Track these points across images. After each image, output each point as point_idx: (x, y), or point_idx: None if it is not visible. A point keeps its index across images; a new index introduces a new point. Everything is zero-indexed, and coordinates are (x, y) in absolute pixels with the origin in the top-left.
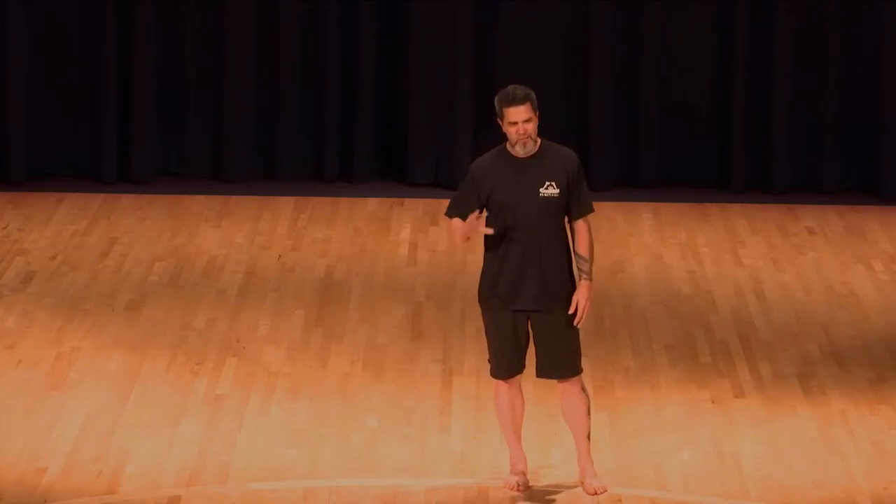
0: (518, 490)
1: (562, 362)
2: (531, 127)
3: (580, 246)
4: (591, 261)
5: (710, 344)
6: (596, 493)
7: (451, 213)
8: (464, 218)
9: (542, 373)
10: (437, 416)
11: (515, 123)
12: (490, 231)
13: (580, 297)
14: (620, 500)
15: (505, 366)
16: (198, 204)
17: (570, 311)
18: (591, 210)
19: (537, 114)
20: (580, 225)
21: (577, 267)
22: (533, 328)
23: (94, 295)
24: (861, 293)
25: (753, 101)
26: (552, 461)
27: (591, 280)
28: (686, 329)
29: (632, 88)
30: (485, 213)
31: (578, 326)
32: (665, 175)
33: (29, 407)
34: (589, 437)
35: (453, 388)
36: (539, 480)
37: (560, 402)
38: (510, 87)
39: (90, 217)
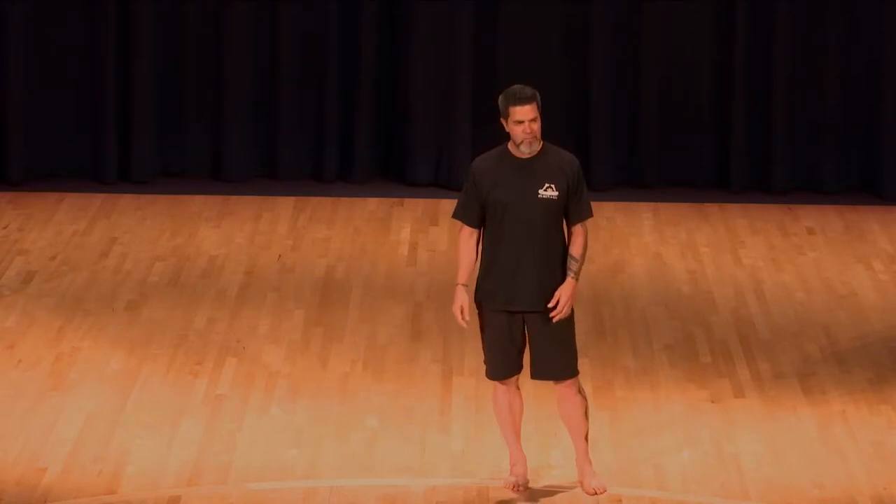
0: (518, 490)
1: (559, 364)
2: (537, 126)
3: (574, 247)
4: (581, 262)
5: (710, 344)
6: (595, 493)
7: (457, 216)
8: (470, 220)
9: (537, 374)
10: (437, 416)
11: (521, 122)
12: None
13: (562, 294)
14: (620, 500)
15: (501, 367)
16: (198, 204)
17: (551, 305)
18: (590, 215)
19: (541, 114)
20: (577, 229)
21: (567, 266)
22: (529, 329)
23: (94, 295)
24: (861, 293)
25: (753, 101)
26: (552, 461)
27: (576, 280)
28: (686, 329)
29: (632, 88)
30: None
31: (564, 323)
32: (665, 175)
33: (29, 407)
34: (587, 437)
35: (453, 388)
36: (539, 480)
37: (557, 404)
38: (516, 86)
39: (90, 217)
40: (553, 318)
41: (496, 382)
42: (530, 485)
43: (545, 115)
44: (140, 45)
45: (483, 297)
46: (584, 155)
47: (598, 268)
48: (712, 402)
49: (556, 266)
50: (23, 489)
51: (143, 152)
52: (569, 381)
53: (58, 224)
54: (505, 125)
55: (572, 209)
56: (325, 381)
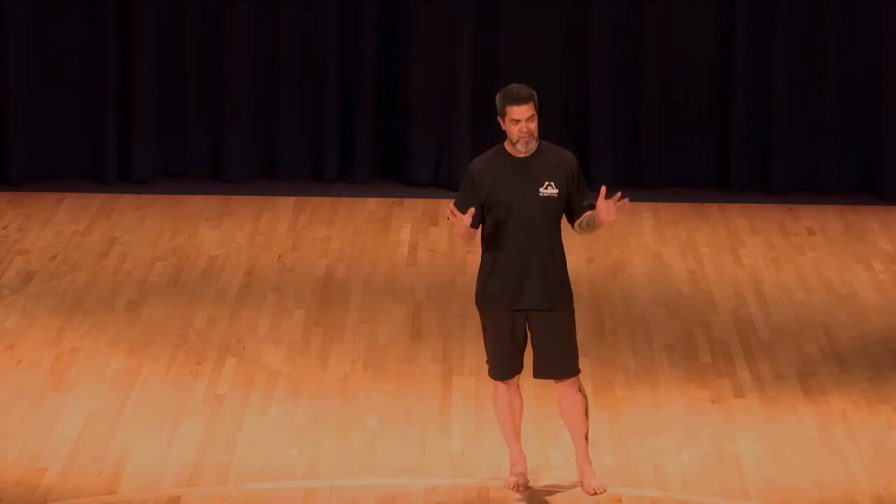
0: (518, 490)
1: (560, 362)
2: (533, 126)
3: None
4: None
5: (710, 344)
6: (595, 493)
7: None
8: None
9: (539, 373)
10: (437, 416)
11: (518, 122)
12: (468, 221)
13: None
14: (620, 500)
15: (503, 367)
16: (198, 204)
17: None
18: (593, 209)
19: (538, 113)
20: None
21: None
22: (531, 328)
23: (94, 295)
24: (861, 293)
25: (753, 101)
26: (552, 461)
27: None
28: (686, 329)
29: (632, 88)
30: (471, 211)
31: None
32: (665, 175)
33: (29, 407)
34: (587, 437)
35: (453, 388)
36: (539, 480)
37: (558, 403)
38: (513, 86)
39: (90, 217)
40: (618, 200)
41: (497, 382)
42: (530, 485)
43: (545, 115)
44: (140, 45)
45: (486, 300)
46: (584, 155)
47: (598, 268)
48: (712, 402)
49: (558, 263)
50: (23, 489)
51: (143, 152)
52: (570, 380)
53: (58, 224)
54: (501, 123)
55: (576, 204)
56: (325, 381)
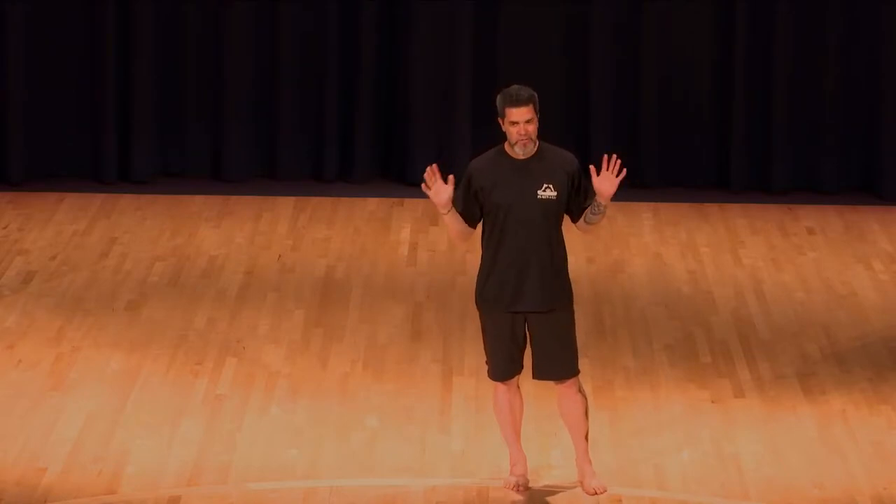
0: (518, 490)
1: (560, 363)
2: (532, 128)
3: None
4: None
5: (710, 344)
6: (595, 493)
7: None
8: (464, 217)
9: (539, 374)
10: (437, 416)
11: (517, 124)
12: (446, 191)
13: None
14: (620, 500)
15: (503, 367)
16: (198, 204)
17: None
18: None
19: (538, 116)
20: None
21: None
22: (530, 329)
23: (94, 295)
24: (861, 293)
25: (753, 101)
26: (552, 461)
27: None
28: (686, 329)
29: (632, 88)
30: (451, 178)
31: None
32: (665, 175)
33: (29, 407)
34: (587, 437)
35: (453, 388)
36: (539, 480)
37: (558, 404)
38: (514, 87)
39: (90, 217)
40: (614, 165)
41: (497, 382)
42: (530, 485)
43: (545, 116)
44: (140, 45)
45: (486, 301)
46: (584, 155)
47: (598, 268)
48: (712, 402)
49: (558, 265)
50: (23, 489)
51: (143, 152)
52: (569, 381)
53: (58, 224)
54: (501, 125)
55: (576, 205)
56: (325, 381)
